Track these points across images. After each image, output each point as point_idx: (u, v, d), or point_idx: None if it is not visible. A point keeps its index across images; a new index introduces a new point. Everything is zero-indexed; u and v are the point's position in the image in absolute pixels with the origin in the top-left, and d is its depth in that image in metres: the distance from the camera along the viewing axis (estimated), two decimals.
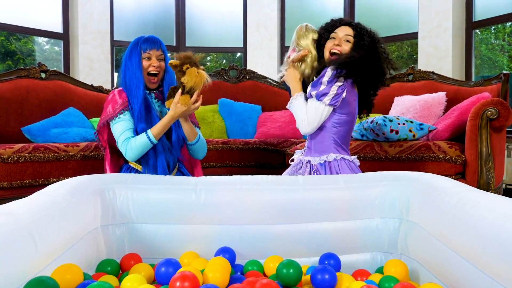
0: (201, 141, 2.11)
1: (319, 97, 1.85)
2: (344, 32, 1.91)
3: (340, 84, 1.84)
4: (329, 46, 1.92)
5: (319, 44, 2.00)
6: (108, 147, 2.12)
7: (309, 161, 1.99)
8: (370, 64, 1.85)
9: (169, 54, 2.13)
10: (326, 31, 1.98)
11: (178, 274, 1.14)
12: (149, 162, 2.01)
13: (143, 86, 2.01)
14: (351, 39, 1.90)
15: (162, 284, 1.28)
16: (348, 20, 1.99)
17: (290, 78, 2.00)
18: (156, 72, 2.03)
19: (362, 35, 1.89)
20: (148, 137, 1.93)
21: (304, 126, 1.90)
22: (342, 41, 1.90)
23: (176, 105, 1.89)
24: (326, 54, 1.94)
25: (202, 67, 1.91)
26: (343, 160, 1.93)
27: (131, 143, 1.94)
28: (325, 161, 1.93)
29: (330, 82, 1.84)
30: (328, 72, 1.85)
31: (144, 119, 1.99)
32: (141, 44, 2.01)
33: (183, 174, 2.16)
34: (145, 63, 2.01)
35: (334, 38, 1.93)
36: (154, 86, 2.09)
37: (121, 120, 1.99)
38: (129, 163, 2.10)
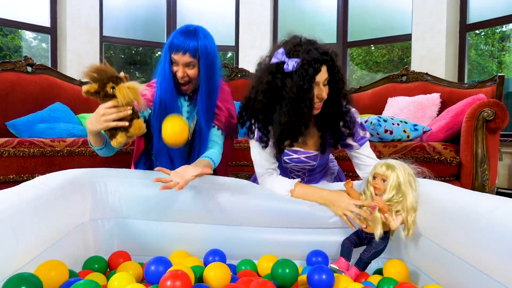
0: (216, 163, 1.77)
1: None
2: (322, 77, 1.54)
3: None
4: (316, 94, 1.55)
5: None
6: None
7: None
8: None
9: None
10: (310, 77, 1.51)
11: (169, 273, 1.08)
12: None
13: (171, 88, 1.70)
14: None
15: (152, 283, 1.23)
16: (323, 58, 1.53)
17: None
18: (183, 82, 1.71)
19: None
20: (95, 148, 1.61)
21: None
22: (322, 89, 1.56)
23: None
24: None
25: (123, 75, 1.49)
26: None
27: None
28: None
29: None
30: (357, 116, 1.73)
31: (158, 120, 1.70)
32: (170, 43, 1.66)
33: None
34: (173, 67, 1.69)
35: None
36: (188, 92, 1.78)
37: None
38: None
